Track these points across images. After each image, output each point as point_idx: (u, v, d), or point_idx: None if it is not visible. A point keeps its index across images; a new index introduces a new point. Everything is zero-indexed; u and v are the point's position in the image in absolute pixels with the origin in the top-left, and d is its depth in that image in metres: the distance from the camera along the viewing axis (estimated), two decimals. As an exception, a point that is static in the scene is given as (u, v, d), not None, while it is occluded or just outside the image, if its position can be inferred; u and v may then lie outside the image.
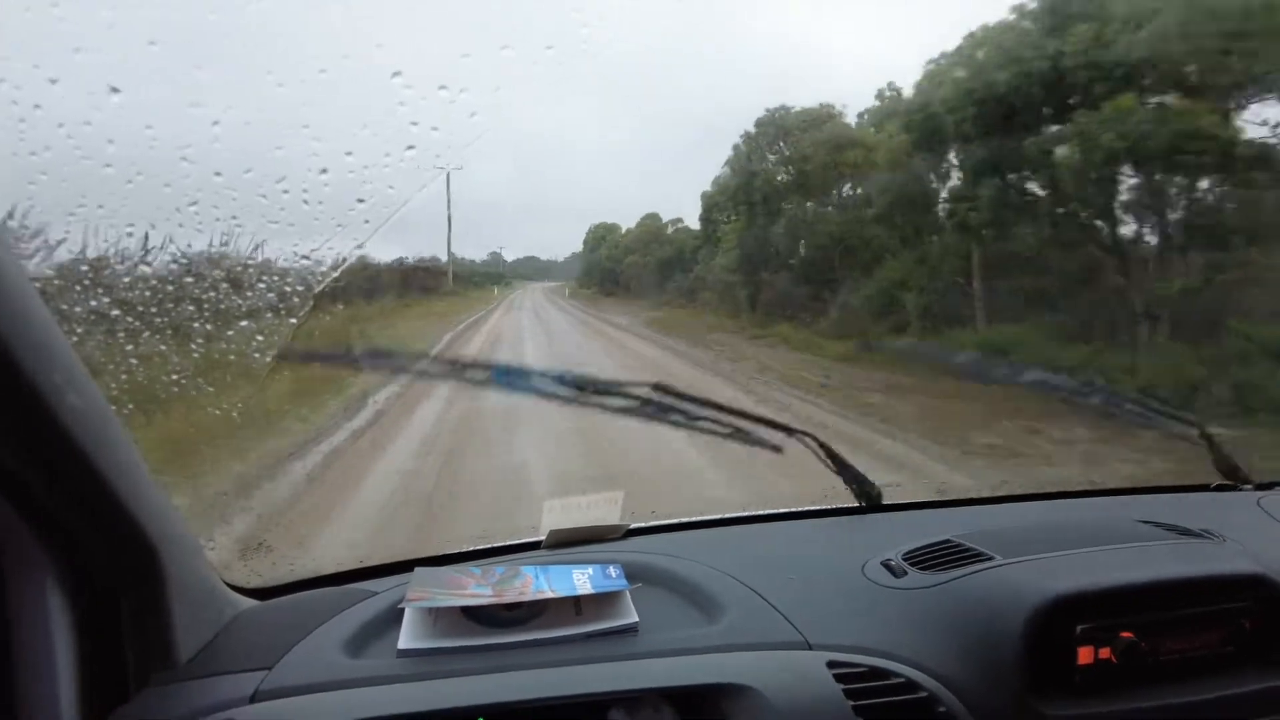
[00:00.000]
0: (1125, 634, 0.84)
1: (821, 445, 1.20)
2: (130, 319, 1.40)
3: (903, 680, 0.81)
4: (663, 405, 1.10)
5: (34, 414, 0.62)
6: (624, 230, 26.83)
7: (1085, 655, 0.84)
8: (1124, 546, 0.99)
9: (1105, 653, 0.84)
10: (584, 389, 1.08)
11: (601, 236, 29.16)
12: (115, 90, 1.00)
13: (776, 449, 1.16)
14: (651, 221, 23.35)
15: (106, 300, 1.35)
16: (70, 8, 0.92)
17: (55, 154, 1.00)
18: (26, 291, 0.60)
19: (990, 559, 0.96)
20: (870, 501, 1.25)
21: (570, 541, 1.13)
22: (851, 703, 0.78)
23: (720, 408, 1.14)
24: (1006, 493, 1.52)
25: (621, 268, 25.11)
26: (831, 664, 0.82)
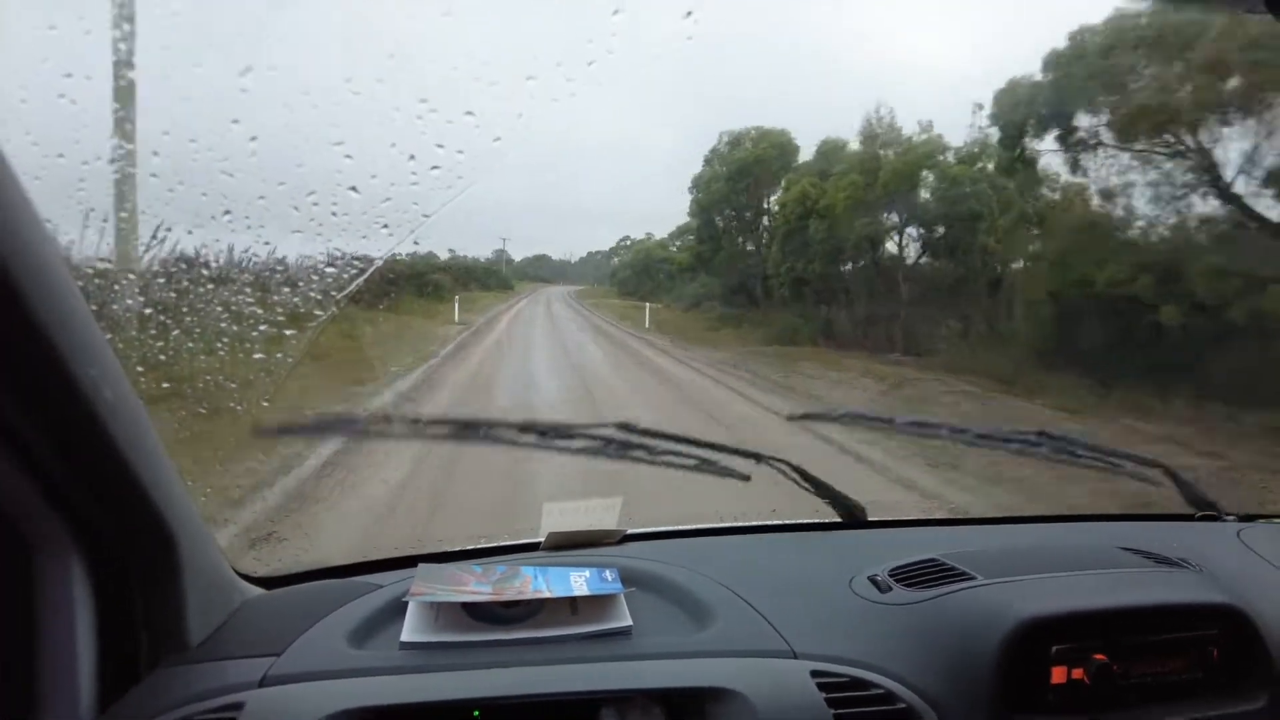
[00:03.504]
0: (1098, 656, 0.88)
1: (795, 469, 1.22)
2: (163, 318, 1.47)
3: (882, 691, 0.85)
4: (627, 444, 1.11)
5: (71, 406, 0.66)
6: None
7: (1059, 675, 0.87)
8: (1102, 572, 1.02)
9: (1078, 673, 0.87)
10: (546, 434, 1.08)
11: (761, 157, 12.07)
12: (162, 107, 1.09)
13: (745, 478, 1.16)
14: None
15: (141, 300, 1.42)
16: (139, 30, 1.00)
17: (104, 162, 1.08)
18: (69, 290, 0.64)
19: (972, 579, 0.99)
20: (853, 518, 1.29)
21: (568, 544, 1.17)
22: (833, 711, 0.81)
23: (686, 440, 1.14)
24: (992, 515, 1.57)
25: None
26: (815, 673, 0.86)
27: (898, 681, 0.86)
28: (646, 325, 14.46)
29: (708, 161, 13.45)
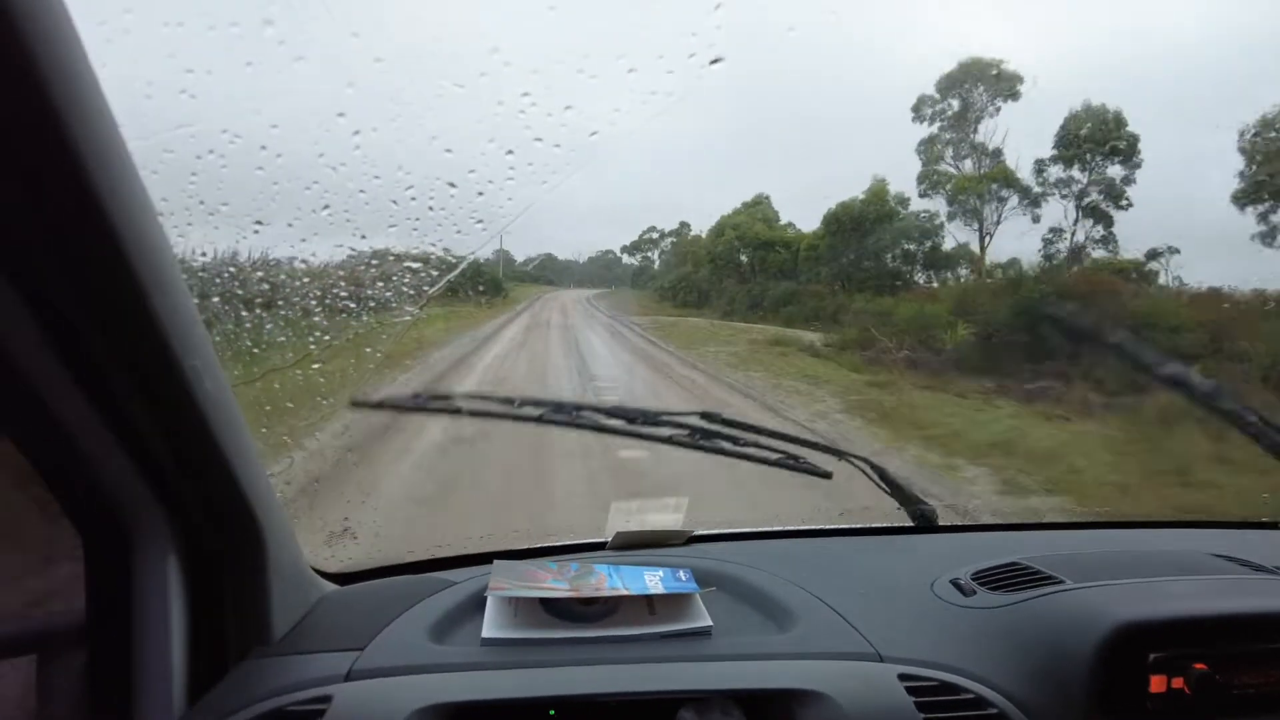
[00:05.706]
0: (1198, 665, 0.83)
1: (875, 468, 1.18)
2: (259, 311, 1.52)
3: (972, 696, 0.82)
4: (709, 432, 1.09)
5: (176, 397, 0.67)
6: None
7: (1158, 684, 0.83)
8: (1197, 578, 0.97)
9: (1178, 682, 0.83)
10: (634, 420, 1.06)
11: None
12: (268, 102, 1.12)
13: (826, 475, 1.14)
14: None
15: (240, 294, 1.47)
16: (248, 27, 1.03)
17: (216, 155, 1.11)
18: (178, 284, 0.65)
19: (1060, 582, 0.95)
20: (925, 522, 1.24)
21: (635, 544, 1.14)
22: (923, 715, 0.79)
23: (769, 433, 1.12)
24: (1070, 519, 1.48)
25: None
26: (903, 676, 0.83)
27: (987, 686, 0.83)
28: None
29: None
